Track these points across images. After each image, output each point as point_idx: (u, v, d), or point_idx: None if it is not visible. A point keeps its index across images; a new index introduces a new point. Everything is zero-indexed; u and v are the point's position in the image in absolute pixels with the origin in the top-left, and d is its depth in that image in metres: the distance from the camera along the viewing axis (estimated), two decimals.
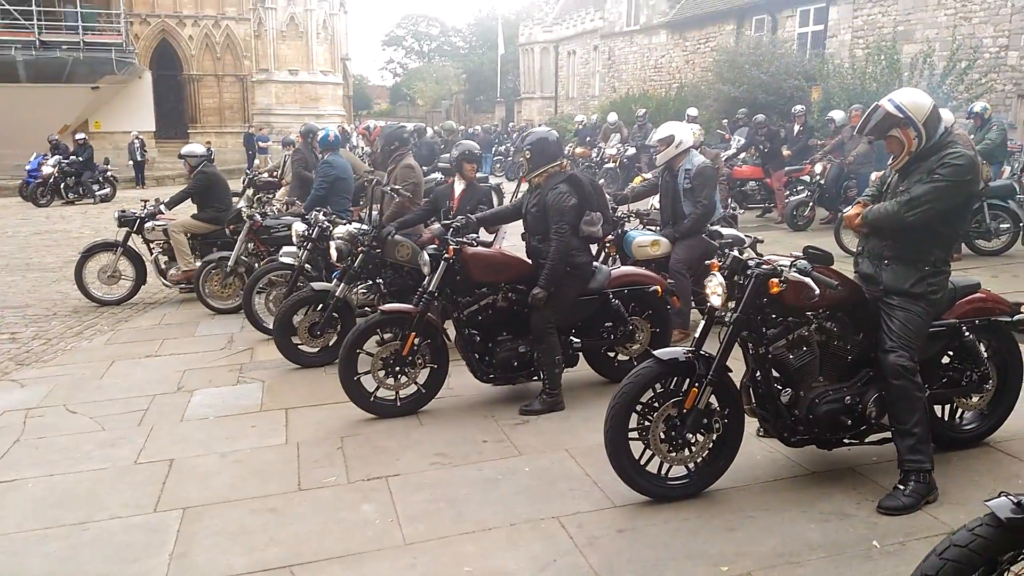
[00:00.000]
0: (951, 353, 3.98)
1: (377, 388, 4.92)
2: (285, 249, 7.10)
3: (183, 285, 8.40)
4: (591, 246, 5.12)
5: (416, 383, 4.98)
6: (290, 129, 20.57)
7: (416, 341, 4.85)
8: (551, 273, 4.74)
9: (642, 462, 3.68)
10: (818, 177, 11.73)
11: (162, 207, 8.41)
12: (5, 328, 7.71)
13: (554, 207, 4.75)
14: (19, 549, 3.49)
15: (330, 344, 5.99)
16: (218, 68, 34.49)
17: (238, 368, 6.11)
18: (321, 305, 5.95)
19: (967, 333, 3.84)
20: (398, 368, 4.90)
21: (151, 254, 8.57)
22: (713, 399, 3.62)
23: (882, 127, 3.57)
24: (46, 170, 19.76)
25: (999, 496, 2.20)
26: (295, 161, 9.89)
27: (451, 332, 5.14)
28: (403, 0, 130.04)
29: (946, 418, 4.12)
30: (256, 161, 25.50)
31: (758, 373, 3.65)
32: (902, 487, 3.51)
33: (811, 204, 11.73)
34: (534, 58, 40.48)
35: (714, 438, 3.67)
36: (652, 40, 27.84)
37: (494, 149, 24.66)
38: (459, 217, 5.08)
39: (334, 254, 5.98)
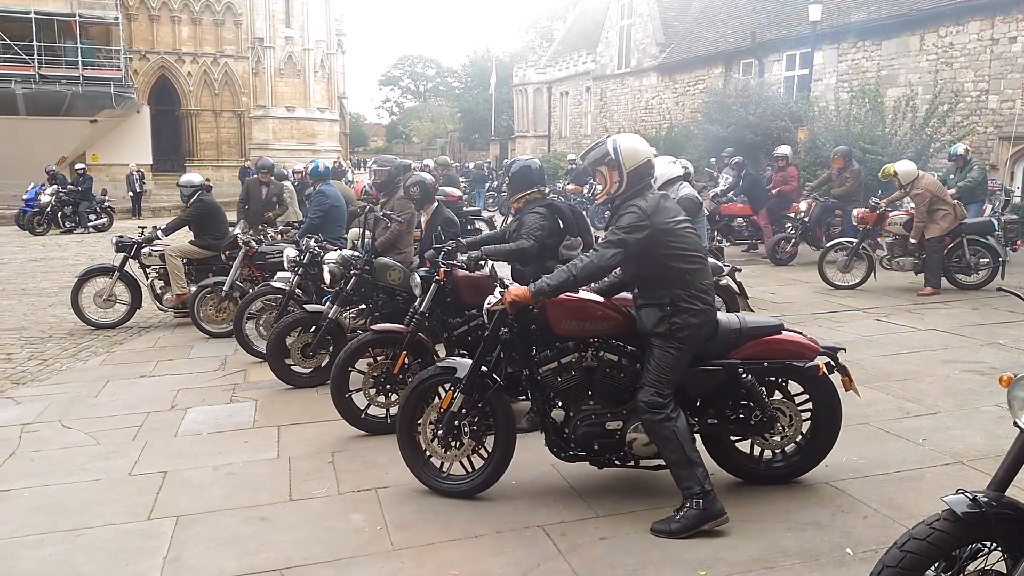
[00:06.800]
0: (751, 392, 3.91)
1: (368, 406, 5.03)
2: (279, 275, 7.26)
3: (178, 309, 8.52)
4: None
5: None
6: (287, 163, 20.87)
7: (407, 360, 4.97)
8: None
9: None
10: (802, 214, 12.01)
11: (159, 233, 8.56)
12: (1, 349, 7.79)
13: (526, 224, 4.97)
14: (14, 553, 3.57)
15: (322, 365, 6.10)
16: (216, 104, 34.99)
17: (231, 388, 6.20)
18: (313, 327, 6.08)
19: (744, 374, 3.80)
20: (389, 386, 5.02)
21: (147, 279, 8.69)
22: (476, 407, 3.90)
23: (596, 161, 3.77)
24: (43, 199, 20.01)
25: (956, 493, 2.36)
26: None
27: (441, 353, 5.27)
28: (400, 42, 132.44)
29: (761, 455, 4.10)
30: None
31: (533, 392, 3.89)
32: (676, 512, 3.60)
33: (794, 240, 11.97)
34: (528, 98, 41.22)
35: (473, 441, 3.96)
36: (643, 82, 28.43)
37: (487, 185, 25.00)
38: (450, 241, 5.24)
39: (327, 277, 6.11)
